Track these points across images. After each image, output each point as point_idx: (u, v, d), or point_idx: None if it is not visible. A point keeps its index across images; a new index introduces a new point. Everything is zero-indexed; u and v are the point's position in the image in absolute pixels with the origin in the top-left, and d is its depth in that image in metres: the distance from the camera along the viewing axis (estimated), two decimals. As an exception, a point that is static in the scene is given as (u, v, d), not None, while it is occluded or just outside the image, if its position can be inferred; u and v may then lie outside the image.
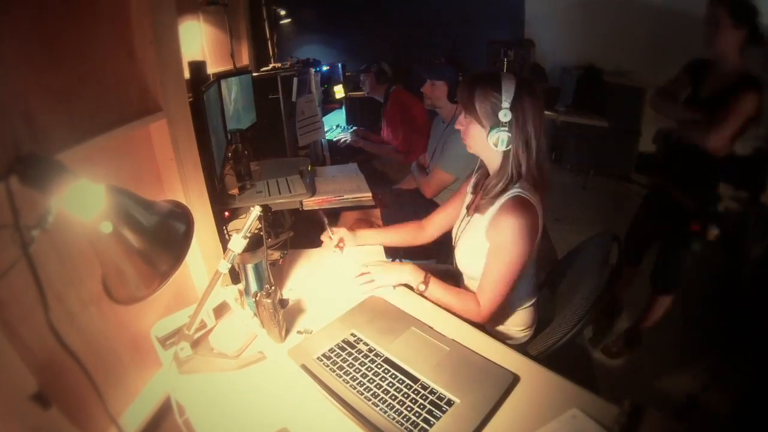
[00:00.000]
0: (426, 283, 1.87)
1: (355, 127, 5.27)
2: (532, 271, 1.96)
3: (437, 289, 1.87)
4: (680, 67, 2.86)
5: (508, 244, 1.73)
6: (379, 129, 5.01)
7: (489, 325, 1.99)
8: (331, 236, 2.19)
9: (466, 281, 2.07)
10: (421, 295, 1.88)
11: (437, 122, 3.57)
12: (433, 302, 1.86)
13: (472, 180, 2.07)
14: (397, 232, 2.33)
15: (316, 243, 2.28)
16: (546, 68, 6.85)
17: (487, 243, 1.82)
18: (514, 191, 1.77)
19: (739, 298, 3.67)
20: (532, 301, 2.01)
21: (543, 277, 2.31)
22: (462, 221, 2.04)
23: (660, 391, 2.88)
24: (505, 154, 1.79)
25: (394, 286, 1.94)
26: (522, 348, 1.87)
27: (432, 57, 3.68)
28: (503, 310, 1.90)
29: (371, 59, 4.91)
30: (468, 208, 2.04)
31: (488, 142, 1.76)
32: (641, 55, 6.43)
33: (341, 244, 2.22)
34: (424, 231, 2.29)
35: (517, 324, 2.01)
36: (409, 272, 1.90)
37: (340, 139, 4.96)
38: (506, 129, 1.72)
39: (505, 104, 1.70)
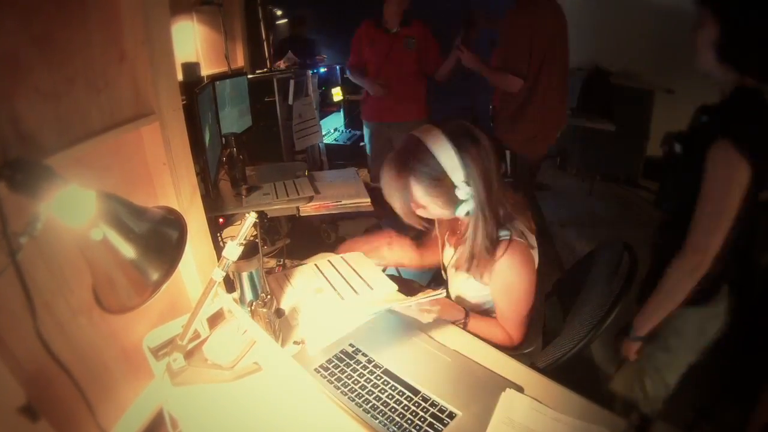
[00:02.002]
0: (467, 318, 1.84)
1: (351, 132, 5.23)
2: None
3: (475, 324, 1.84)
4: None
5: (513, 284, 1.74)
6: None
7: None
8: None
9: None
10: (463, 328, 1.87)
11: None
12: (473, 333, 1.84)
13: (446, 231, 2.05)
14: (405, 254, 2.20)
15: (313, 251, 2.28)
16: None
17: (484, 287, 1.85)
18: (502, 239, 1.71)
19: (749, 307, 3.67)
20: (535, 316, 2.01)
21: (550, 287, 2.30)
22: (449, 254, 2.01)
23: (669, 403, 2.88)
24: (482, 214, 1.65)
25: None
26: (529, 359, 1.87)
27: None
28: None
29: None
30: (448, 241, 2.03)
31: (455, 216, 1.68)
32: (649, 57, 6.43)
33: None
34: (424, 258, 2.23)
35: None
36: (455, 313, 1.83)
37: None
38: (468, 199, 1.61)
39: (461, 180, 1.57)
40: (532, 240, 1.76)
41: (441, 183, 1.57)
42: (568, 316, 2.00)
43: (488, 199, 1.61)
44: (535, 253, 1.77)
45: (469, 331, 1.83)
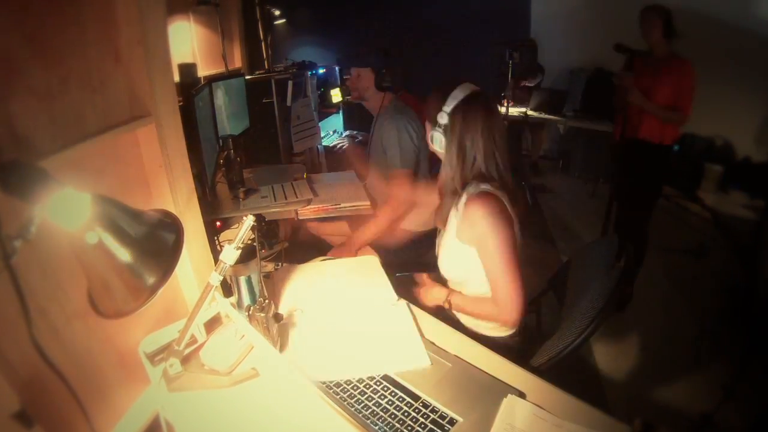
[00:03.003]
0: (449, 300, 2.01)
1: (350, 132, 5.24)
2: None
3: (461, 304, 2.01)
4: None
5: (488, 235, 1.80)
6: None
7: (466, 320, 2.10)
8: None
9: (453, 286, 2.09)
10: (450, 309, 2.04)
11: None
12: (462, 312, 2.04)
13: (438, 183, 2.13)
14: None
15: (312, 254, 2.28)
16: (553, 71, 6.86)
17: (463, 245, 1.91)
18: (469, 190, 1.88)
19: (755, 311, 3.67)
20: None
21: (545, 284, 2.33)
22: (439, 234, 2.12)
23: (672, 408, 2.88)
24: (447, 156, 1.94)
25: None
26: (517, 352, 1.88)
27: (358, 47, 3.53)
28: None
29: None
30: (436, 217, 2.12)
31: (429, 141, 1.99)
32: (652, 57, 6.44)
33: None
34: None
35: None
36: (438, 294, 2.05)
37: (337, 144, 4.93)
38: (440, 130, 1.91)
39: (446, 108, 1.87)
40: (503, 197, 1.86)
41: (439, 101, 1.89)
42: (565, 312, 2.01)
43: (466, 142, 1.87)
44: (505, 205, 1.85)
45: (457, 311, 2.02)
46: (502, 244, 1.77)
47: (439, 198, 2.05)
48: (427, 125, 2.00)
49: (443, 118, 1.87)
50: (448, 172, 1.94)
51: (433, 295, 2.06)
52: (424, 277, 2.16)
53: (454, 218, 1.94)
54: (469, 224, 1.84)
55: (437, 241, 2.14)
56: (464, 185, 1.90)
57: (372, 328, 1.79)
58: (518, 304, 1.80)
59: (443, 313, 2.05)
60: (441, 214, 2.02)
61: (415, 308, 1.90)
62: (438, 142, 1.93)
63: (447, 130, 1.88)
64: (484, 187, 1.85)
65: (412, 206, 2.96)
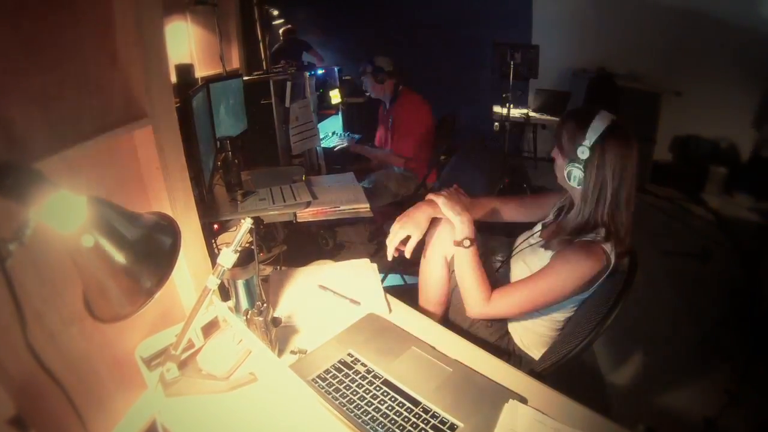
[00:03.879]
0: (472, 244, 1.87)
1: (350, 135, 5.25)
2: (569, 310, 1.97)
3: (474, 258, 1.87)
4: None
5: (554, 269, 1.79)
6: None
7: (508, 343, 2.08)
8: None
9: None
10: (458, 247, 1.88)
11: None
12: (458, 269, 1.92)
13: (558, 202, 2.13)
14: (489, 202, 2.29)
15: (311, 257, 2.28)
16: (555, 72, 6.86)
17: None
18: (586, 237, 1.82)
19: (759, 315, 3.67)
20: (560, 328, 2.03)
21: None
22: (532, 236, 2.11)
23: (675, 413, 2.87)
24: (583, 193, 1.85)
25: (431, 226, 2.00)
26: (528, 366, 1.88)
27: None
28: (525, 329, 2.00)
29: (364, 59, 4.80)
30: (543, 227, 2.11)
31: (564, 175, 1.88)
32: (655, 59, 6.45)
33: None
34: (498, 212, 2.29)
35: (529, 346, 2.03)
36: (466, 222, 1.87)
37: (335, 146, 4.94)
38: (580, 166, 1.81)
39: (587, 142, 1.78)
40: (610, 261, 1.80)
41: (577, 132, 1.83)
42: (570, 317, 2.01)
43: (598, 187, 1.81)
44: (600, 266, 1.79)
45: (457, 261, 1.91)
46: (555, 287, 1.78)
47: (557, 227, 2.02)
48: (559, 158, 1.92)
49: (584, 153, 1.79)
50: (579, 207, 1.88)
51: (465, 218, 1.87)
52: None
53: (547, 254, 1.92)
54: (555, 255, 1.86)
55: (521, 238, 2.16)
56: (595, 225, 1.84)
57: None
58: (496, 316, 1.88)
59: (446, 318, 2.06)
60: (555, 240, 1.93)
61: (414, 312, 1.91)
62: (575, 179, 1.85)
63: (587, 165, 1.80)
64: (592, 236, 1.82)
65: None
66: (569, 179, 1.87)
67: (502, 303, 1.82)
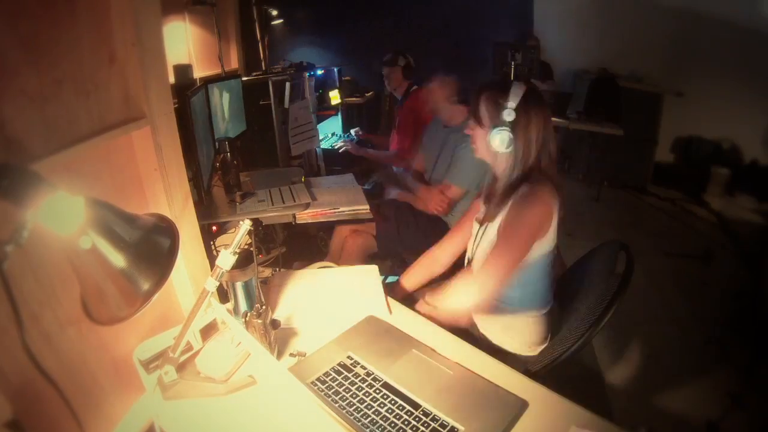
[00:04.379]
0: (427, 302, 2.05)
1: (355, 129, 5.23)
2: (549, 269, 2.03)
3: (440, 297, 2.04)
4: None
5: (514, 223, 1.87)
6: (377, 134, 4.97)
7: (493, 336, 2.10)
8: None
9: None
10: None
11: (435, 127, 3.57)
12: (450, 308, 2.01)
13: (484, 192, 2.17)
14: (417, 273, 2.37)
15: (310, 259, 2.28)
16: (555, 72, 6.87)
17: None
18: (522, 189, 1.89)
19: (762, 318, 3.67)
20: (546, 309, 2.06)
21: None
22: (476, 236, 2.10)
23: (678, 416, 2.87)
24: (509, 156, 1.93)
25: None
26: (523, 365, 1.87)
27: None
28: (514, 314, 2.03)
29: (390, 55, 4.69)
30: (481, 221, 2.10)
31: (490, 142, 1.92)
32: (657, 59, 6.46)
33: None
34: (438, 261, 2.36)
35: (526, 336, 2.03)
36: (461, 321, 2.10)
37: (337, 147, 4.93)
38: (507, 129, 1.87)
39: (511, 104, 1.85)
40: (555, 197, 1.90)
41: (498, 97, 1.89)
42: (565, 316, 2.01)
43: (526, 145, 1.90)
44: (554, 215, 1.91)
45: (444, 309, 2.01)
46: (523, 234, 1.86)
47: (489, 198, 2.09)
48: (479, 129, 1.99)
49: (510, 115, 1.85)
50: (509, 168, 1.94)
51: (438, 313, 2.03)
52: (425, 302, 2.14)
53: (502, 213, 1.95)
54: (506, 216, 1.91)
55: (469, 246, 2.17)
56: (523, 179, 1.92)
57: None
58: (492, 288, 1.90)
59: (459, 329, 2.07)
60: (492, 210, 2.01)
61: (414, 315, 1.91)
62: (503, 142, 1.88)
63: (515, 127, 1.87)
64: (527, 187, 1.89)
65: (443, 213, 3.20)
66: (497, 145, 1.90)
67: (486, 279, 1.88)
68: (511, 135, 1.87)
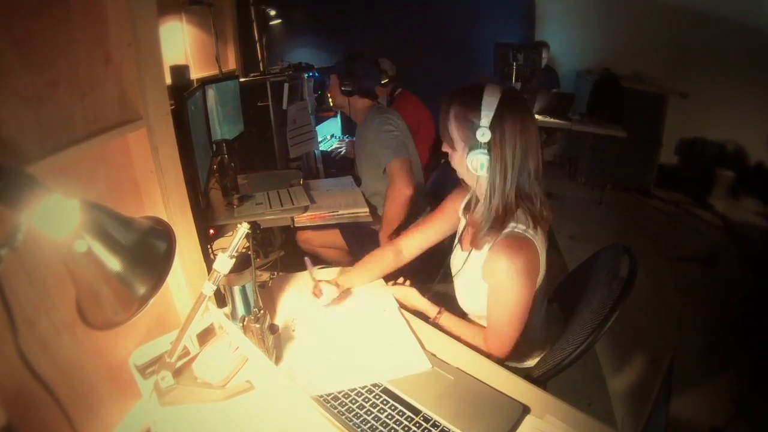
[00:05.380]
0: (440, 312, 1.96)
1: (349, 138, 5.23)
2: (541, 304, 1.95)
3: (449, 321, 1.94)
4: None
5: (504, 288, 1.71)
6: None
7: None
8: (317, 293, 2.00)
9: (473, 318, 2.05)
10: (435, 324, 1.94)
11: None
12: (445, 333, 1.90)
13: (463, 202, 2.05)
14: (377, 264, 2.21)
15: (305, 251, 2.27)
16: (558, 73, 6.87)
17: (485, 283, 1.81)
18: (507, 229, 1.73)
19: (767, 323, 3.67)
20: (543, 321, 2.03)
21: (551, 292, 2.31)
22: (457, 253, 2.04)
23: (682, 422, 2.87)
24: (491, 180, 1.71)
25: (410, 311, 1.98)
26: (523, 372, 1.87)
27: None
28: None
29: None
30: (461, 239, 2.03)
31: (468, 167, 1.73)
32: (661, 60, 6.46)
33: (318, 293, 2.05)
34: (401, 254, 2.21)
35: (524, 347, 2.02)
36: (427, 303, 1.97)
37: (335, 150, 4.93)
38: (484, 150, 1.66)
39: (484, 121, 1.64)
40: (541, 245, 1.75)
41: (469, 114, 1.67)
42: (567, 321, 2.01)
43: (510, 168, 1.67)
44: (541, 259, 1.76)
45: (442, 329, 1.91)
46: (518, 301, 1.71)
47: (472, 220, 1.94)
48: (453, 150, 1.79)
49: (485, 136, 1.63)
50: (492, 198, 1.71)
51: (425, 300, 2.00)
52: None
53: (481, 255, 1.81)
54: (490, 270, 1.75)
55: (452, 260, 2.06)
56: (508, 211, 1.72)
57: (370, 337, 1.80)
58: (507, 350, 1.80)
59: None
60: (476, 242, 1.83)
61: (415, 319, 1.91)
62: (482, 166, 1.68)
63: (491, 148, 1.65)
64: (512, 227, 1.72)
65: (416, 189, 2.93)
66: (475, 169, 1.71)
67: (498, 343, 1.80)
68: (488, 156, 1.66)
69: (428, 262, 2.24)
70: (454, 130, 1.74)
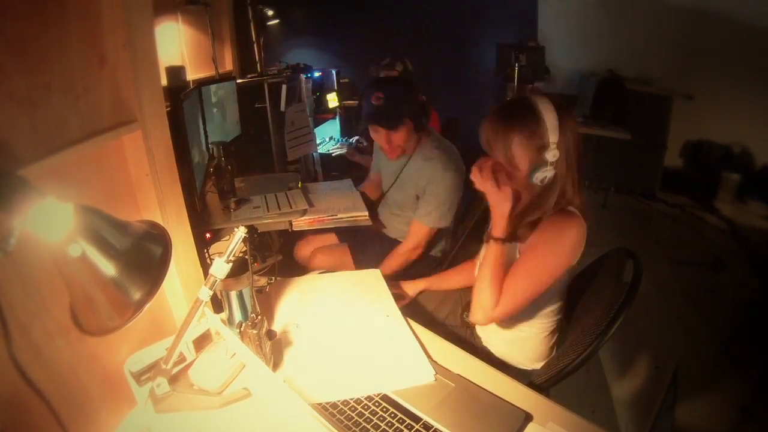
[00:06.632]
0: (497, 242, 1.81)
1: (356, 137, 5.21)
2: (565, 288, 1.96)
3: (497, 259, 1.81)
4: None
5: (543, 244, 1.76)
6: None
7: (499, 347, 2.07)
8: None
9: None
10: (489, 241, 1.83)
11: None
12: (480, 266, 1.87)
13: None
14: (458, 274, 2.34)
15: (307, 268, 2.27)
16: (562, 74, 6.87)
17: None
18: (551, 216, 1.78)
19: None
20: (555, 325, 2.02)
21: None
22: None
23: (687, 430, 2.87)
24: (545, 186, 1.78)
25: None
26: (527, 378, 1.87)
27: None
28: (521, 329, 1.97)
29: (387, 58, 4.65)
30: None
31: (531, 182, 1.77)
32: (666, 61, 6.46)
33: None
34: (447, 282, 2.37)
35: (530, 352, 2.01)
36: (498, 216, 1.81)
37: (333, 151, 4.93)
38: (551, 165, 1.72)
39: (553, 140, 1.69)
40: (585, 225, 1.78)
41: (536, 137, 1.71)
42: (571, 329, 2.01)
43: (567, 172, 1.77)
44: (584, 232, 1.76)
45: (485, 255, 1.86)
46: (550, 264, 1.74)
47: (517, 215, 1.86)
48: (513, 171, 1.78)
49: (555, 155, 1.70)
50: (543, 202, 1.78)
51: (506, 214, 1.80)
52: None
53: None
54: (540, 233, 1.78)
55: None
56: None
57: (372, 343, 1.79)
58: (504, 315, 1.80)
59: (454, 334, 2.06)
60: (513, 236, 1.85)
61: (415, 324, 1.91)
62: (543, 179, 1.74)
63: (558, 162, 1.73)
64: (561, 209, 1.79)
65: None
66: (541, 181, 1.75)
67: (507, 300, 1.77)
68: (554, 170, 1.73)
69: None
70: (518, 154, 1.75)
